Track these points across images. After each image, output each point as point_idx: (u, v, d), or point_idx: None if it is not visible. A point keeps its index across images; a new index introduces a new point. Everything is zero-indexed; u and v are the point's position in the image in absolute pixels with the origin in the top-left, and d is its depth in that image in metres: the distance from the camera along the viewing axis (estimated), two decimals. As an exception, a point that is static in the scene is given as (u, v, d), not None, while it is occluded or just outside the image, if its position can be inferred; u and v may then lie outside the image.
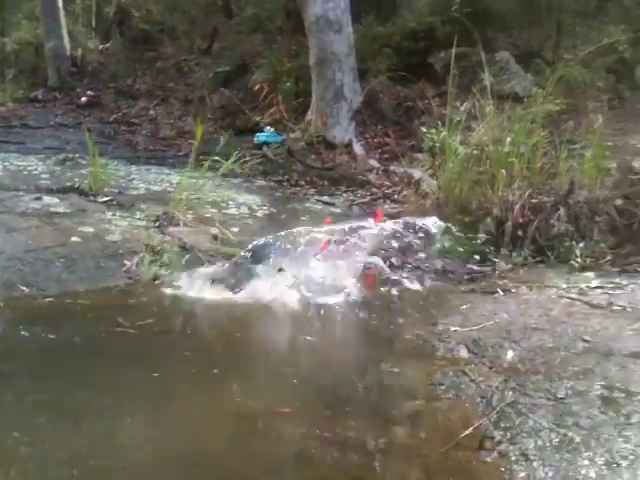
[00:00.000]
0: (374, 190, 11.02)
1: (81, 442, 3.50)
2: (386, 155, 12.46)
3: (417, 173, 10.77)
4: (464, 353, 5.36)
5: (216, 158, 8.71)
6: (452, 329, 5.83)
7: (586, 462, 3.83)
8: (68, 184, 8.73)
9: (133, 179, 10.12)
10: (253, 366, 4.99)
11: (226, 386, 4.50)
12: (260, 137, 13.05)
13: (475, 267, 7.87)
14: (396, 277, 7.09)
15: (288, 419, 4.09)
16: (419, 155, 11.29)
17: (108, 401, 3.97)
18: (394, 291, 6.87)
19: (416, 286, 7.03)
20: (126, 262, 6.71)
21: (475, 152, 9.33)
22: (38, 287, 5.79)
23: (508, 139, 8.93)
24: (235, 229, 8.05)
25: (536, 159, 8.83)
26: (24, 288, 5.72)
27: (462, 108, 9.67)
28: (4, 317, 5.19)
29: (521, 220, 8.09)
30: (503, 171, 8.46)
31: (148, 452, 3.53)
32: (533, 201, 8.34)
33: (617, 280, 6.87)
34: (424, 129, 9.81)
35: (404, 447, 3.99)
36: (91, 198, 8.34)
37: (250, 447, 3.74)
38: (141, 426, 3.81)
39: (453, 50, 9.81)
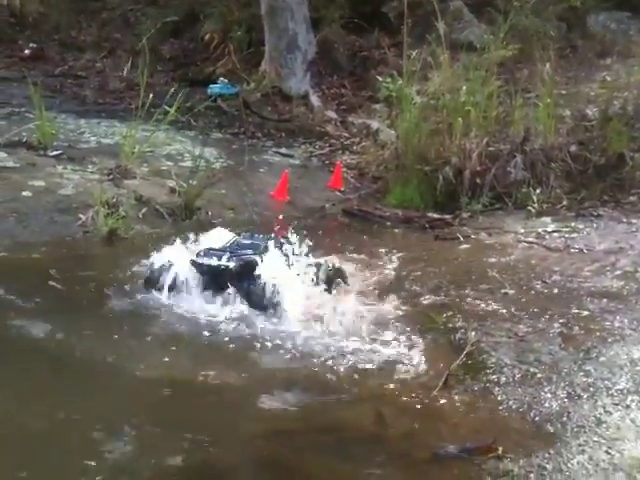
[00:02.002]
0: (332, 141, 10.89)
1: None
2: (343, 106, 12.29)
3: (375, 124, 10.69)
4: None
5: (167, 110, 8.44)
6: (415, 274, 5.92)
7: (549, 395, 3.97)
8: (15, 138, 8.34)
9: (83, 132, 9.74)
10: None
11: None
12: (214, 89, 12.68)
13: (435, 215, 7.95)
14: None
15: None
16: (376, 106, 11.18)
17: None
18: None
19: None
20: (81, 216, 6.51)
21: (432, 102, 9.32)
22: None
23: (464, 88, 8.94)
24: (191, 181, 7.87)
25: (492, 108, 8.86)
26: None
27: (417, 58, 9.61)
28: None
29: (479, 168, 8.15)
30: (460, 120, 8.48)
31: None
32: (490, 149, 8.41)
33: (573, 224, 7.06)
34: (380, 78, 9.71)
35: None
36: (40, 152, 7.98)
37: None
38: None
39: (405, -1, 9.67)
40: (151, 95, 8.01)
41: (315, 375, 4.16)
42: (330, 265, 5.45)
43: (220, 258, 4.95)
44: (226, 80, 12.96)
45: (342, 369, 4.23)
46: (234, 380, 4.07)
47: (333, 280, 5.38)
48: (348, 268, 5.74)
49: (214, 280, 4.95)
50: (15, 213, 6.21)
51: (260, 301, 4.84)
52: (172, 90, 8.72)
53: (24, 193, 6.66)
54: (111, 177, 7.57)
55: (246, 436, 3.55)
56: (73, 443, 3.34)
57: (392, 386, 4.05)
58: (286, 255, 5.26)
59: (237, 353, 4.41)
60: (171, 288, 4.99)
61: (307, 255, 5.40)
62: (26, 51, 15.46)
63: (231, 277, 4.90)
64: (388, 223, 7.88)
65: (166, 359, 4.28)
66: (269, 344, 4.50)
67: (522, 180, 8.08)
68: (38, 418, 3.46)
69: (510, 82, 9.48)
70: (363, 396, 3.97)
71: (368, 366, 4.27)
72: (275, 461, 3.33)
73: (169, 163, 8.72)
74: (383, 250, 6.62)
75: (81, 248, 5.97)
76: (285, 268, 5.14)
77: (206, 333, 4.61)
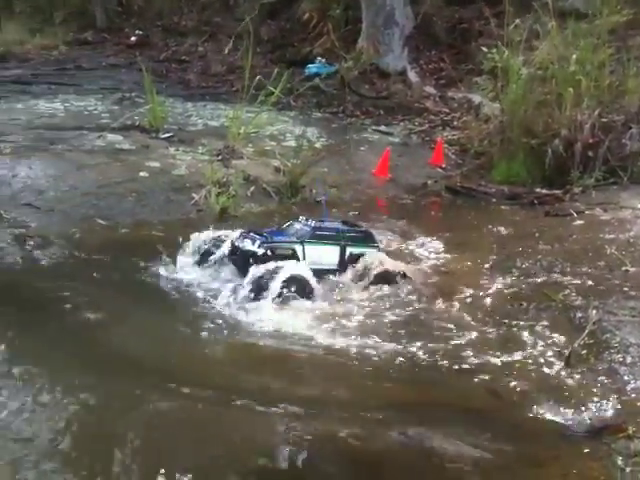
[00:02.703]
0: (432, 117, 10.73)
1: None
2: (442, 81, 12.06)
3: (477, 97, 10.42)
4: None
5: (269, 91, 8.59)
6: (527, 252, 5.76)
7: (681, 376, 3.78)
8: (128, 122, 8.78)
9: (190, 115, 10.11)
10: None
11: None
12: (311, 68, 12.78)
13: (544, 190, 7.69)
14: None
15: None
16: (478, 79, 10.86)
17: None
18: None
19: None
20: (194, 195, 6.78)
21: (539, 72, 8.97)
22: (114, 220, 5.92)
23: (573, 57, 8.53)
24: (295, 160, 8.00)
25: (603, 77, 8.43)
26: (101, 221, 5.87)
27: (521, 27, 9.25)
28: (80, 247, 5.28)
29: (591, 140, 7.79)
30: (570, 90, 8.12)
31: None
32: (603, 120, 8.01)
33: (696, 198, 6.64)
34: (485, 49, 9.40)
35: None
36: (152, 135, 8.37)
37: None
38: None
39: (508, -34, 9.30)
40: (257, 77, 8.18)
41: (433, 350, 4.17)
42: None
43: (254, 242, 4.92)
44: (323, 59, 13.01)
45: (459, 346, 4.20)
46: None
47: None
48: (452, 247, 5.73)
49: (243, 261, 4.91)
50: (134, 193, 6.55)
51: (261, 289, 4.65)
52: (276, 71, 8.90)
53: (141, 174, 7.00)
54: (220, 158, 7.82)
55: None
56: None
57: (514, 364, 3.99)
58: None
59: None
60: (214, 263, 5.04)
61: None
62: (132, 38, 16.13)
63: (256, 261, 4.80)
64: (494, 200, 7.72)
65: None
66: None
67: (638, 152, 7.68)
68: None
69: (622, 50, 8.96)
70: (483, 371, 3.92)
71: (487, 343, 4.21)
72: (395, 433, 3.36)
73: (272, 143, 8.91)
74: (491, 227, 6.49)
75: (196, 225, 6.19)
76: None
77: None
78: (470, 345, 4.19)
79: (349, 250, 5.21)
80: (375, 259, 5.16)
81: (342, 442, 3.06)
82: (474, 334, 4.32)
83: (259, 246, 4.91)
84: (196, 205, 6.66)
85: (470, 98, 10.61)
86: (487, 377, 3.84)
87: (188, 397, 3.35)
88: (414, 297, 4.90)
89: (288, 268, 4.72)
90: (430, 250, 5.90)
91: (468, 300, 4.79)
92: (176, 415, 3.20)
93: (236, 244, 5.02)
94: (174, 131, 8.69)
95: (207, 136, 8.72)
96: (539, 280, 5.16)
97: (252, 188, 7.31)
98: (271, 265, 4.72)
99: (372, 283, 5.02)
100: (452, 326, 4.45)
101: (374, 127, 10.45)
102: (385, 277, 5.07)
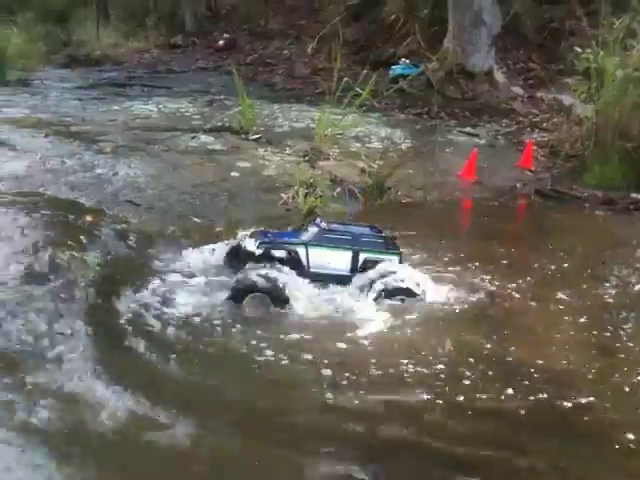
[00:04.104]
0: (520, 119, 10.51)
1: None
2: (531, 81, 11.81)
3: (567, 99, 10.13)
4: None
5: (354, 93, 8.67)
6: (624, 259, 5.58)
7: None
8: (219, 124, 9.09)
9: (277, 117, 10.34)
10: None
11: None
12: (395, 70, 12.77)
13: (641, 196, 7.42)
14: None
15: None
16: (569, 80, 10.56)
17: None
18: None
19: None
20: (282, 195, 6.93)
21: (635, 73, 8.62)
22: (208, 218, 6.14)
23: (675, 57, 8.17)
24: (380, 162, 8.03)
25: None
26: (196, 219, 6.10)
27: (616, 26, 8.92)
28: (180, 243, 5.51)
29: (691, 144, 7.46)
30: (669, 92, 7.78)
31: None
32: None
33: None
34: (579, 49, 9.12)
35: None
36: (242, 136, 8.63)
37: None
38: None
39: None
40: (345, 79, 8.28)
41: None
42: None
43: (255, 242, 4.68)
44: (407, 61, 12.99)
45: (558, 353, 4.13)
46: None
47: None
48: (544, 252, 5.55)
49: (243, 260, 4.69)
50: (226, 192, 6.77)
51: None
52: (364, 73, 8.98)
53: (232, 174, 7.23)
54: (307, 158, 7.97)
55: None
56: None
57: (614, 373, 3.88)
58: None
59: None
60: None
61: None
62: (220, 42, 16.67)
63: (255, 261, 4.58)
64: (586, 204, 7.48)
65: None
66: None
67: None
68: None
69: None
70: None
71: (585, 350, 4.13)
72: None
73: (357, 144, 8.98)
74: (584, 233, 6.32)
75: (285, 225, 6.33)
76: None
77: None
78: (567, 350, 4.11)
79: (363, 256, 4.73)
80: (388, 268, 4.63)
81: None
82: (572, 341, 4.22)
83: (258, 246, 4.66)
84: (285, 205, 6.81)
85: (561, 99, 10.34)
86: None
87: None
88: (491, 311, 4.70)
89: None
90: (521, 255, 5.80)
91: (562, 307, 4.68)
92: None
93: (240, 243, 4.80)
94: (262, 132, 8.92)
95: (293, 137, 8.91)
96: (637, 288, 4.99)
97: (338, 189, 7.39)
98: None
99: (380, 297, 4.51)
100: (548, 332, 4.36)
101: (459, 129, 10.35)
102: (397, 291, 4.55)
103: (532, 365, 3.88)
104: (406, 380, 3.69)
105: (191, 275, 4.78)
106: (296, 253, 4.68)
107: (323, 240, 4.75)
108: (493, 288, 4.96)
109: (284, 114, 10.57)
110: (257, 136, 8.71)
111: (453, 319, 4.46)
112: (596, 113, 8.56)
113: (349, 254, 4.73)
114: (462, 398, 3.52)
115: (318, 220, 5.05)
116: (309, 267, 4.69)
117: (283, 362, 3.82)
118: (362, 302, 4.51)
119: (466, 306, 4.63)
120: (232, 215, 6.28)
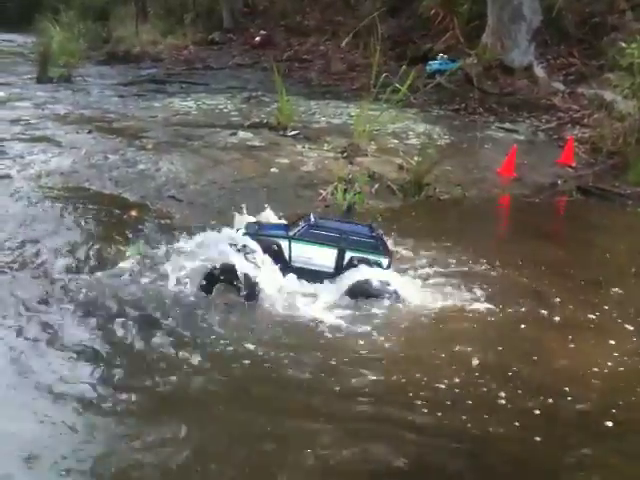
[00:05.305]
0: (560, 115, 10.34)
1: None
2: (571, 77, 11.58)
3: (609, 94, 9.94)
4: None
5: (394, 89, 8.64)
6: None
7: None
8: (257, 120, 9.17)
9: (314, 113, 10.38)
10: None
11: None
12: (433, 65, 12.68)
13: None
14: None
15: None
16: (610, 75, 10.36)
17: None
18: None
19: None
20: (321, 191, 6.96)
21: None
22: (248, 213, 6.19)
23: None
24: (418, 158, 8.00)
25: None
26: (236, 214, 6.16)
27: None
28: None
29: None
30: None
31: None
32: None
33: None
34: (623, 44, 8.93)
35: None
36: (280, 132, 8.70)
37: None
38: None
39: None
40: (384, 75, 8.27)
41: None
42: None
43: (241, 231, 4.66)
44: (445, 56, 12.88)
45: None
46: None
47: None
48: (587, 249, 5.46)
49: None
50: (266, 188, 6.83)
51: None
52: (403, 68, 8.95)
53: (272, 169, 7.29)
54: (345, 155, 7.99)
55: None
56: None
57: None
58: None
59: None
60: None
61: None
62: (257, 38, 16.75)
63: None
64: (629, 202, 7.34)
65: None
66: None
67: None
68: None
69: None
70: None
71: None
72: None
73: (395, 141, 8.95)
74: (628, 231, 6.21)
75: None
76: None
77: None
78: (612, 350, 4.07)
79: (350, 254, 4.65)
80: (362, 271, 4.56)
81: None
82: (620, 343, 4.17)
83: (242, 235, 4.59)
84: (323, 201, 6.83)
85: (602, 95, 10.14)
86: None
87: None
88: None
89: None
90: (565, 252, 5.73)
91: (608, 307, 4.62)
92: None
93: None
94: (300, 129, 8.97)
95: (331, 133, 8.93)
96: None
97: (376, 185, 7.39)
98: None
99: (347, 294, 4.47)
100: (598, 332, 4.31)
101: (498, 124, 10.24)
102: (365, 290, 4.50)
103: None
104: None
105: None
106: (279, 247, 4.62)
107: (308, 235, 4.67)
108: (539, 289, 4.90)
109: (321, 110, 10.61)
110: (295, 132, 8.76)
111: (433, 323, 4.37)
112: (639, 109, 8.40)
113: (334, 252, 4.66)
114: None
115: (311, 216, 4.93)
116: (291, 261, 4.62)
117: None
118: (329, 299, 4.45)
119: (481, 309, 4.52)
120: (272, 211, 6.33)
